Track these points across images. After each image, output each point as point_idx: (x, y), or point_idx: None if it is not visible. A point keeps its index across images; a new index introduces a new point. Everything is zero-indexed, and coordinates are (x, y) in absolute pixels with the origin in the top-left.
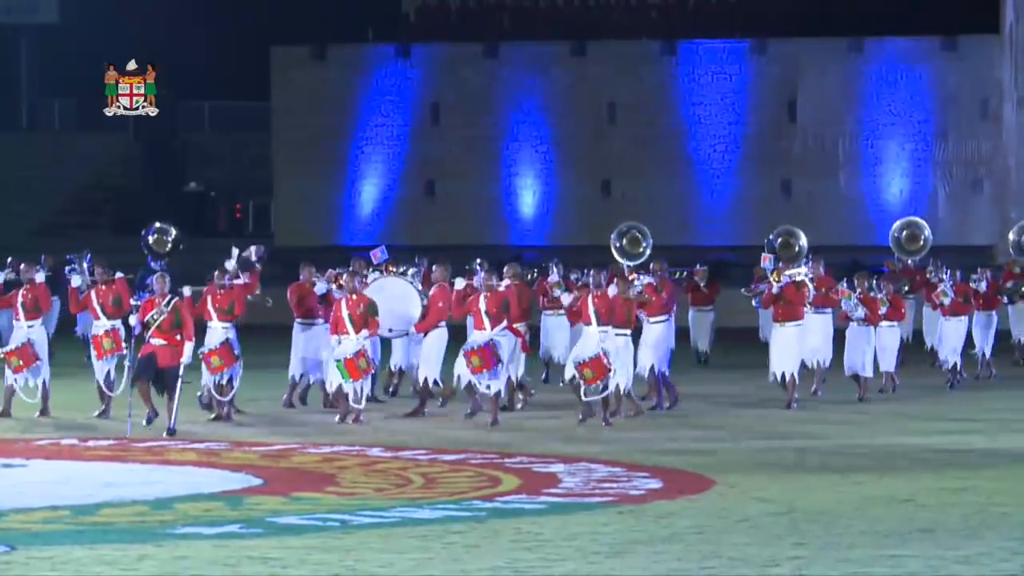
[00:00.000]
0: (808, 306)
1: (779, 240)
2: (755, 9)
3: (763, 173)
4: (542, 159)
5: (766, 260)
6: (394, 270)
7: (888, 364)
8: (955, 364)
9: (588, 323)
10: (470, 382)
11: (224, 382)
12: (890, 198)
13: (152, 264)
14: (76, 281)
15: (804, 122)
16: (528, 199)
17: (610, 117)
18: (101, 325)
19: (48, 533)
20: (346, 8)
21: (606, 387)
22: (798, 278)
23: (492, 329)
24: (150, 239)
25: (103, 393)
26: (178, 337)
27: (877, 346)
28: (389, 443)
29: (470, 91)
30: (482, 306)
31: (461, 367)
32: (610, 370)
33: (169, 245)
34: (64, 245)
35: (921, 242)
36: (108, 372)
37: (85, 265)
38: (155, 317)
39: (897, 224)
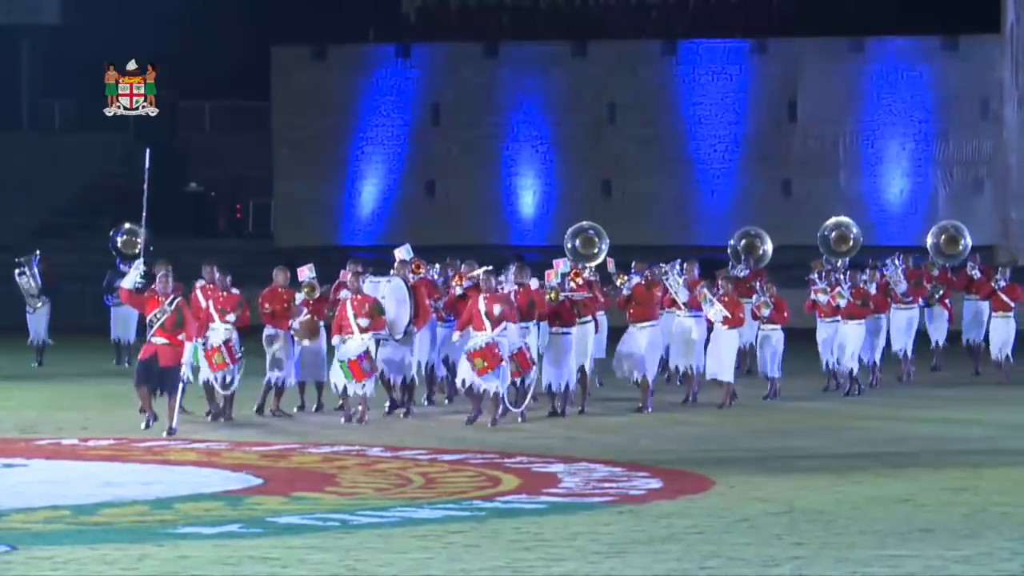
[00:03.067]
0: (684, 307)
1: (743, 242)
2: (755, 8)
3: (763, 173)
4: (542, 159)
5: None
6: (423, 270)
7: (771, 368)
8: (852, 370)
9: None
10: (472, 385)
11: (227, 381)
12: (891, 198)
13: (120, 266)
14: (24, 283)
15: (804, 122)
16: (528, 199)
17: (610, 117)
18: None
19: (49, 533)
20: (346, 8)
21: (523, 381)
22: (642, 280)
23: (492, 331)
24: (119, 240)
25: None
26: (180, 337)
27: (757, 349)
28: (389, 443)
29: (470, 91)
30: (482, 307)
31: (465, 370)
32: (532, 364)
33: (138, 247)
34: (64, 245)
35: (851, 242)
36: None
37: (35, 267)
38: (157, 316)
39: (827, 223)
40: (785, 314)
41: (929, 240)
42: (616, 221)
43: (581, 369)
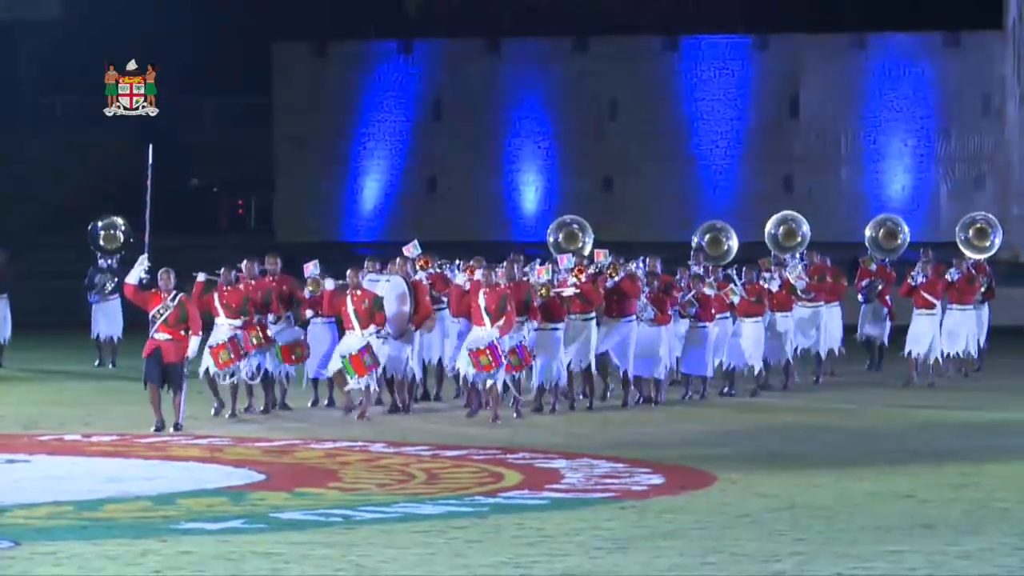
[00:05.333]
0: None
1: (707, 237)
2: (758, 4)
3: (765, 169)
4: (544, 155)
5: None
6: (431, 266)
7: (698, 368)
8: (758, 370)
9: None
10: (472, 380)
11: (228, 377)
12: (892, 194)
13: (101, 262)
14: None
15: (806, 118)
16: (530, 195)
17: (612, 113)
18: None
19: (51, 528)
20: (347, 4)
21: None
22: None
23: (492, 326)
24: (100, 236)
25: None
26: (183, 332)
27: (682, 346)
28: (392, 439)
29: (472, 87)
30: (481, 303)
31: (466, 365)
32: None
33: (120, 240)
34: (65, 242)
35: (798, 238)
36: None
37: None
38: (160, 312)
39: (774, 219)
40: (712, 311)
41: (867, 234)
42: (617, 217)
43: (587, 365)
